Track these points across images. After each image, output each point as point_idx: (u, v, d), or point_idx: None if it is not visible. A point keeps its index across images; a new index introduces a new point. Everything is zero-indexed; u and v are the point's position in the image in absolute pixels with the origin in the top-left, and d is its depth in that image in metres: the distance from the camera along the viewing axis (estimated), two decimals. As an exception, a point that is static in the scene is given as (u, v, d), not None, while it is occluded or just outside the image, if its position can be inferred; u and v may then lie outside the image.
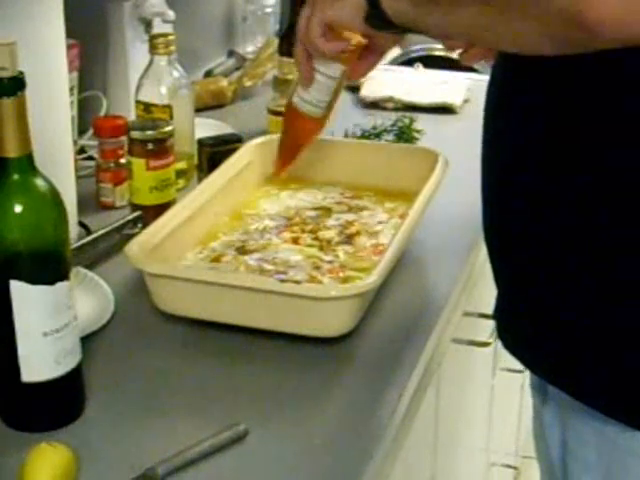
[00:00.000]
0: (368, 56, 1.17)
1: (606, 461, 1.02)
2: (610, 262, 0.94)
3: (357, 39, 1.13)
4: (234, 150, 1.45)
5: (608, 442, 1.01)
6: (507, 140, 1.01)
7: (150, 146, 1.37)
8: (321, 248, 1.26)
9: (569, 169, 0.94)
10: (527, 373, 1.18)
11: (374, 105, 1.90)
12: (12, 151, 0.90)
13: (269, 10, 2.24)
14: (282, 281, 1.15)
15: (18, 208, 0.92)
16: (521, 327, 1.06)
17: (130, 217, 1.36)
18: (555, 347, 1.01)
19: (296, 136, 1.28)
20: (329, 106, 1.24)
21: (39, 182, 0.93)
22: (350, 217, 1.35)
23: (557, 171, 0.95)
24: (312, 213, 1.36)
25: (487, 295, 1.32)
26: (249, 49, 2.18)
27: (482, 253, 1.36)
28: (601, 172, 0.92)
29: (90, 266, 1.26)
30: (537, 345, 1.04)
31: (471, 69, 2.26)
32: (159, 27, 1.63)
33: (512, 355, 1.10)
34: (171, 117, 1.48)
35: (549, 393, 1.07)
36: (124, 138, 1.43)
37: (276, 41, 1.87)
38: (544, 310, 1.01)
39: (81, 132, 1.58)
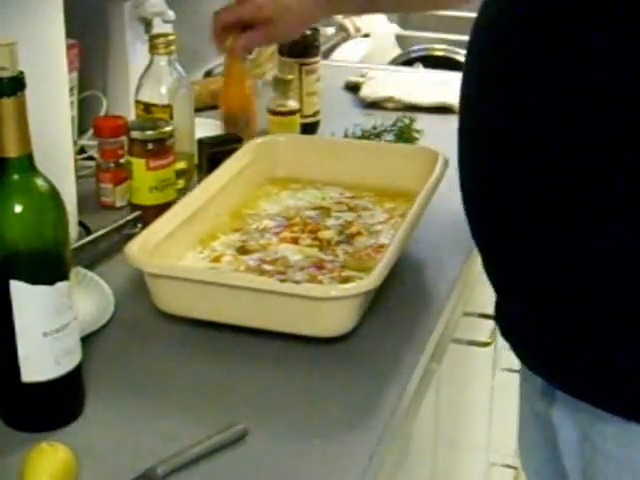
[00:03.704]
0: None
1: (626, 451, 1.02)
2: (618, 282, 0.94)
3: None
4: (234, 150, 1.45)
5: (628, 432, 1.01)
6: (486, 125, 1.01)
7: (150, 146, 1.37)
8: (321, 248, 1.26)
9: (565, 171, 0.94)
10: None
11: (374, 105, 1.90)
12: (12, 151, 0.90)
13: (269, 10, 2.23)
14: (282, 281, 1.15)
15: (18, 208, 0.92)
16: (537, 340, 1.05)
17: (130, 217, 1.36)
18: (577, 365, 1.01)
19: None
20: None
21: (39, 182, 0.93)
22: (350, 217, 1.35)
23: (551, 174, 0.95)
24: (312, 213, 1.36)
25: (487, 295, 1.32)
26: (249, 49, 2.17)
27: (482, 253, 1.36)
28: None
29: (90, 266, 1.26)
30: (556, 361, 1.04)
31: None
32: (159, 27, 1.63)
33: (530, 369, 1.09)
34: (171, 117, 1.48)
35: (557, 394, 1.07)
36: (124, 138, 1.43)
37: (276, 41, 1.86)
38: (561, 327, 1.01)
39: (81, 132, 1.58)
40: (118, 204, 1.45)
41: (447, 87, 1.94)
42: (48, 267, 0.94)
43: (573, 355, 1.01)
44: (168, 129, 1.39)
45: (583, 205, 0.93)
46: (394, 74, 2.05)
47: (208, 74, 2.03)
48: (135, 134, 1.38)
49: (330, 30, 2.49)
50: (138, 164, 1.38)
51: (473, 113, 1.04)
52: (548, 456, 1.13)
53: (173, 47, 1.50)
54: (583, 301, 0.97)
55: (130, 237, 1.23)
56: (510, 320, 1.10)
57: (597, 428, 1.04)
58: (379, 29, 2.58)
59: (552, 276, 0.99)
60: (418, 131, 1.71)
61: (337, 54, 2.41)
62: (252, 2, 1.39)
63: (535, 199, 0.97)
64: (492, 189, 1.02)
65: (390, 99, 1.89)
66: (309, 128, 1.74)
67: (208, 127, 1.65)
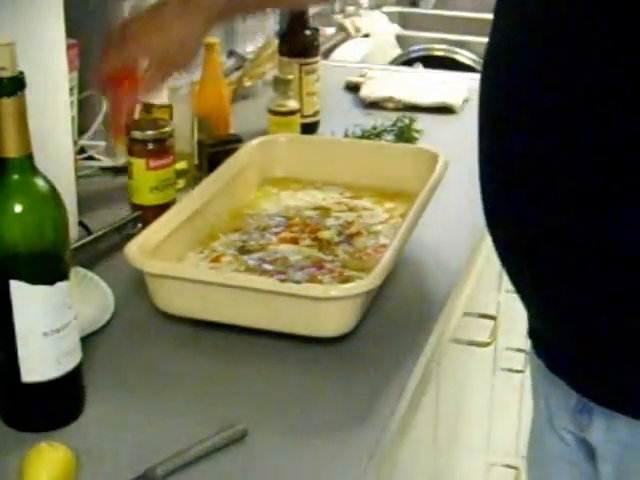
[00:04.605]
0: None
1: None
2: None
3: None
4: (234, 150, 1.45)
5: None
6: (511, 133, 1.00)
7: (150, 146, 1.37)
8: (321, 248, 1.26)
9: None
10: (527, 374, 1.18)
11: (374, 105, 1.90)
12: (12, 151, 0.90)
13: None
14: (282, 281, 1.15)
15: (18, 208, 0.92)
16: (575, 355, 1.04)
17: (130, 217, 1.36)
18: (616, 379, 1.01)
19: None
20: None
21: (39, 182, 0.93)
22: (350, 217, 1.35)
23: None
24: (312, 213, 1.36)
25: (487, 295, 1.32)
26: (249, 49, 2.18)
27: (482, 253, 1.36)
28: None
29: (90, 266, 1.26)
30: (594, 376, 1.03)
31: (471, 69, 2.26)
32: (159, 27, 1.63)
33: (572, 386, 1.08)
34: (171, 117, 1.48)
35: (594, 412, 1.06)
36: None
37: (276, 41, 1.86)
38: (598, 343, 1.00)
39: (81, 132, 1.58)
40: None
41: (447, 87, 1.94)
42: (48, 267, 0.94)
43: (612, 369, 1.00)
44: (168, 129, 1.39)
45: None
46: (394, 74, 2.05)
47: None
48: (135, 134, 1.38)
49: (330, 30, 2.49)
50: (138, 164, 1.38)
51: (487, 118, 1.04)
52: (578, 474, 1.13)
53: (173, 47, 1.49)
54: (615, 315, 0.97)
55: (130, 237, 1.23)
56: (545, 339, 1.10)
57: (638, 435, 1.03)
58: (379, 29, 2.58)
59: (584, 288, 0.98)
60: (418, 131, 1.71)
61: (337, 54, 2.41)
62: (137, 43, 1.23)
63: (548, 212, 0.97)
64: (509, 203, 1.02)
65: (390, 99, 1.89)
66: (309, 128, 1.74)
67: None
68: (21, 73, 0.90)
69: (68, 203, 0.99)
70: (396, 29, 2.66)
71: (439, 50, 2.45)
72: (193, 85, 1.58)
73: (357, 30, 2.51)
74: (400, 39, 2.62)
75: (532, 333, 1.13)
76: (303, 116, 1.71)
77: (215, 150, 1.52)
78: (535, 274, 1.03)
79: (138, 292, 1.19)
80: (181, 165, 1.48)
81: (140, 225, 1.34)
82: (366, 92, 1.93)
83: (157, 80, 1.26)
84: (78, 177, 1.41)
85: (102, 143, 1.61)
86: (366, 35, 2.52)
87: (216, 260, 1.23)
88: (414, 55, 2.47)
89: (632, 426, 1.02)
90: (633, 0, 0.86)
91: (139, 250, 1.15)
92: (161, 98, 1.49)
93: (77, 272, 1.20)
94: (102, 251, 1.30)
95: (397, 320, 1.18)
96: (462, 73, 2.09)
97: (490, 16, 1.05)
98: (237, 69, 2.07)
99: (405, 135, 1.69)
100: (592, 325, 0.99)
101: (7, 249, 0.93)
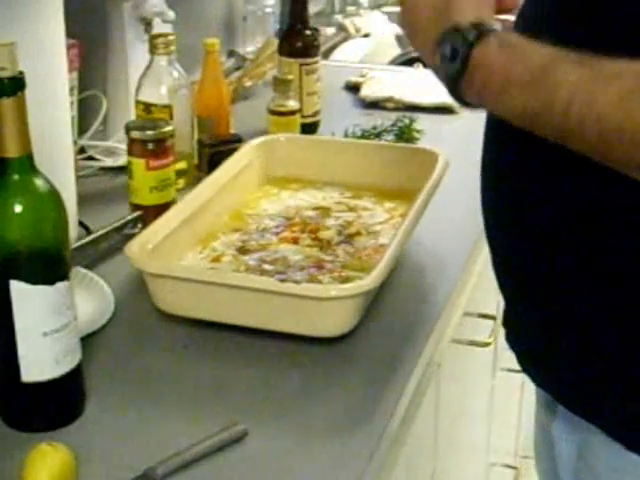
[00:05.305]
0: None
1: (618, 474, 1.01)
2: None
3: None
4: (234, 150, 1.45)
5: (621, 459, 1.00)
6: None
7: (150, 146, 1.37)
8: (321, 248, 1.26)
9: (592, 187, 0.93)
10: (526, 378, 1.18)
11: (374, 105, 1.90)
12: (12, 151, 0.91)
13: (269, 10, 2.24)
14: (282, 281, 1.15)
15: (18, 208, 0.92)
16: (535, 344, 1.05)
17: (130, 217, 1.36)
18: (578, 381, 1.00)
19: None
20: None
21: (39, 182, 0.93)
22: (350, 217, 1.35)
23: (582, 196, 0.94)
24: (312, 213, 1.36)
25: (487, 295, 1.32)
26: (249, 49, 2.18)
27: (482, 253, 1.36)
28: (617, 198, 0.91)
29: (90, 266, 1.26)
30: (557, 374, 1.03)
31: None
32: (159, 27, 1.63)
33: (534, 380, 1.08)
34: (171, 117, 1.48)
35: (558, 409, 1.06)
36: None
37: (276, 41, 1.87)
38: (564, 341, 1.00)
39: (81, 132, 1.58)
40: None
41: (447, 87, 1.93)
42: (48, 267, 0.94)
43: (575, 370, 1.00)
44: (168, 129, 1.39)
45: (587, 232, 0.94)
46: (394, 74, 2.06)
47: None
48: (135, 134, 1.38)
49: (330, 30, 2.49)
50: (138, 164, 1.38)
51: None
52: (548, 465, 1.13)
53: (173, 47, 1.50)
54: (589, 318, 0.96)
55: (130, 237, 1.23)
56: (515, 329, 1.10)
57: (591, 448, 1.02)
58: (379, 29, 2.58)
59: (559, 293, 0.98)
60: (418, 131, 1.71)
61: (337, 54, 2.41)
62: None
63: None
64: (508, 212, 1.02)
65: (390, 99, 1.90)
66: (309, 128, 1.75)
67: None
68: (21, 73, 0.90)
69: (68, 203, 1.00)
70: (396, 29, 2.66)
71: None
72: (193, 85, 1.58)
73: (357, 30, 2.51)
74: (400, 39, 2.62)
75: (505, 316, 1.13)
76: (303, 116, 1.71)
77: (215, 150, 1.52)
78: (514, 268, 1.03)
79: (138, 292, 1.19)
80: (181, 165, 1.48)
81: (140, 225, 1.34)
82: (366, 92, 1.94)
83: None
84: (78, 177, 1.40)
85: (102, 143, 1.62)
86: (366, 35, 2.52)
87: (216, 260, 1.23)
88: (414, 55, 2.46)
89: (589, 434, 1.01)
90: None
91: (139, 250, 1.15)
92: (161, 98, 1.49)
93: (77, 272, 1.20)
94: (102, 251, 1.30)
95: (397, 320, 1.18)
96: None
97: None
98: (237, 69, 2.07)
99: (405, 135, 1.69)
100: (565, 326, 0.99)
101: (7, 249, 0.93)
